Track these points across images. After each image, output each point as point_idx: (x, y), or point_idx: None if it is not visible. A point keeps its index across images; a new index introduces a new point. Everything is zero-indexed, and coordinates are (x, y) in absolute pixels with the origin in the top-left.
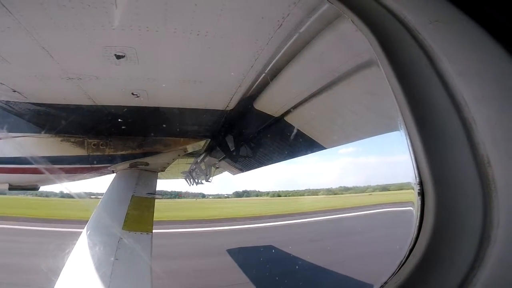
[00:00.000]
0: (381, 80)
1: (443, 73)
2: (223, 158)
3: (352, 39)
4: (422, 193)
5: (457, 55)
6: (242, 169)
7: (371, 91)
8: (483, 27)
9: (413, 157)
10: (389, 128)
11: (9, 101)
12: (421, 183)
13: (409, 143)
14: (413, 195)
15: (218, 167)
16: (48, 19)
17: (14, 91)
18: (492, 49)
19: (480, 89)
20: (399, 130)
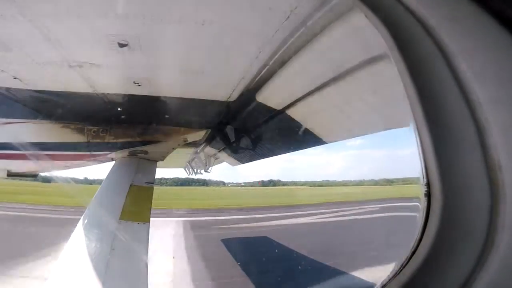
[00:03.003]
0: (392, 76)
1: (458, 72)
2: (223, 149)
3: (362, 33)
4: (428, 195)
5: (475, 54)
6: (241, 161)
7: (380, 87)
8: (503, 26)
9: (421, 157)
10: (397, 125)
11: (10, 88)
12: (428, 184)
13: (418, 142)
14: (418, 195)
15: (217, 158)
16: (51, 6)
17: (15, 78)
18: None
19: (497, 90)
20: (408, 127)
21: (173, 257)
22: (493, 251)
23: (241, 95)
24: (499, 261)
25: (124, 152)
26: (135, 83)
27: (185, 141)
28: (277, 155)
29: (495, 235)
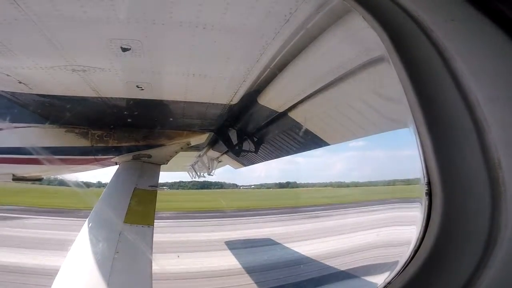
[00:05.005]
0: (391, 78)
1: (456, 73)
2: (226, 152)
3: (361, 36)
4: (429, 194)
5: (472, 55)
6: (244, 163)
7: (380, 89)
8: (499, 27)
9: (422, 157)
10: (398, 126)
11: (15, 92)
12: (429, 184)
13: (419, 143)
14: (420, 195)
15: (220, 161)
16: (55, 11)
17: (20, 82)
18: (508, 50)
19: (494, 90)
20: (408, 128)
21: (178, 256)
22: (496, 249)
23: (243, 98)
24: (502, 258)
25: (128, 156)
26: (138, 87)
27: (188, 145)
28: (278, 157)
29: (498, 233)
